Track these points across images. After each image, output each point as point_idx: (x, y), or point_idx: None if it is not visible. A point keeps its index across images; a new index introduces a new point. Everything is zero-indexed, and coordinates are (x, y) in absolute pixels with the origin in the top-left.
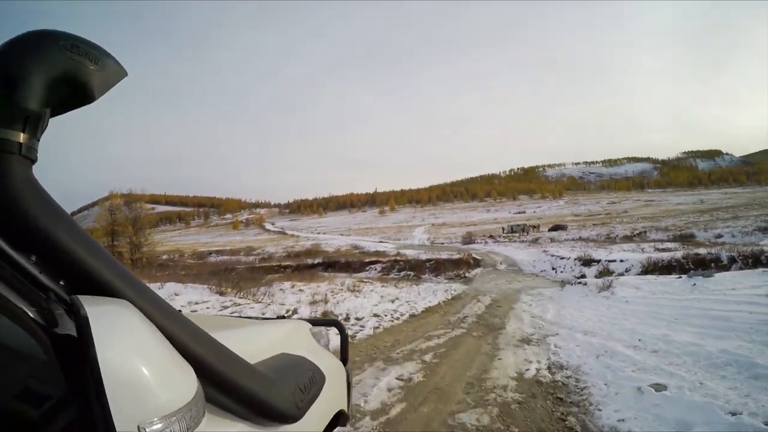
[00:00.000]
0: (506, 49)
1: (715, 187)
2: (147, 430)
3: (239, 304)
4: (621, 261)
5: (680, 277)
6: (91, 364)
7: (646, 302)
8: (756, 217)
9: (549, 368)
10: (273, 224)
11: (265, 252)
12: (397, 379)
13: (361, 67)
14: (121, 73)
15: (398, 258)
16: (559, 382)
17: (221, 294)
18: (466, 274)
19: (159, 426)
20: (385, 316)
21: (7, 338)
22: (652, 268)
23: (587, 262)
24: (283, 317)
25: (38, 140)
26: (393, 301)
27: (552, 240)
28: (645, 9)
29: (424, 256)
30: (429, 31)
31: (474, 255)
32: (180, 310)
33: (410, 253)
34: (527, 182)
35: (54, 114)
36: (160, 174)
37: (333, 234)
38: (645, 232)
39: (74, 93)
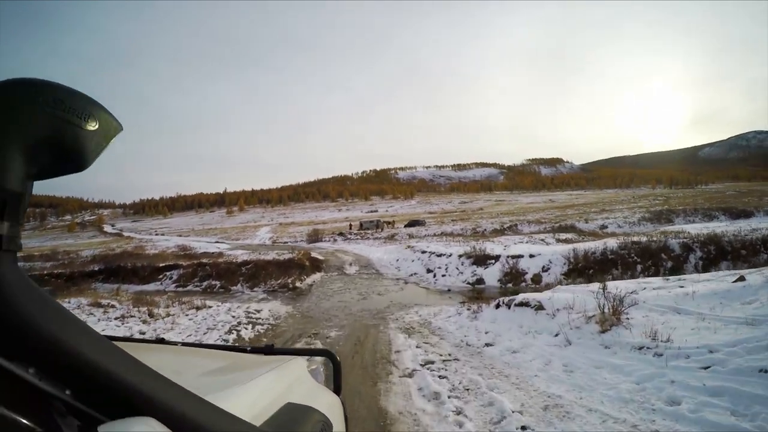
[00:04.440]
0: (370, 57)
1: (558, 190)
2: None
3: None
4: (531, 256)
5: (742, 279)
6: None
7: None
8: (630, 210)
9: None
10: (113, 226)
11: (72, 257)
12: None
13: (219, 64)
14: (116, 128)
15: (205, 262)
16: None
17: None
18: (298, 283)
19: None
20: None
21: None
22: (582, 265)
23: (481, 259)
24: (272, 347)
25: (21, 223)
26: None
27: (411, 236)
28: (497, 32)
29: (242, 258)
30: (291, 34)
31: (316, 254)
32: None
33: (236, 254)
34: (379, 183)
35: (36, 179)
36: None
37: (172, 235)
38: (516, 225)
39: (61, 160)
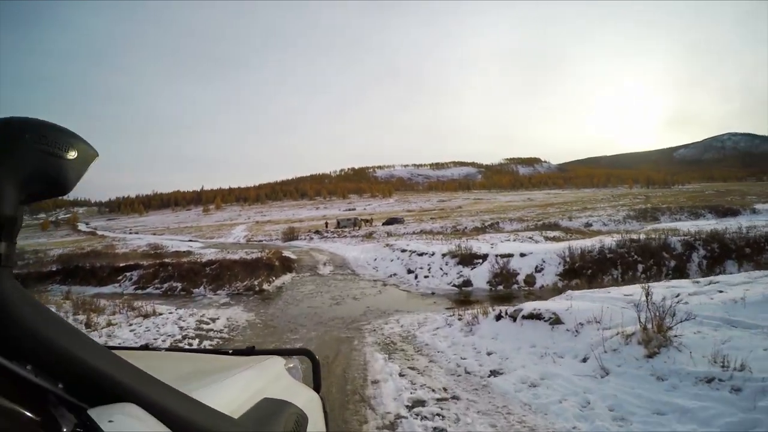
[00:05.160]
0: (348, 56)
1: (536, 189)
2: None
3: None
4: (522, 255)
5: None
6: None
7: None
8: (613, 208)
9: None
10: (87, 224)
11: (39, 256)
12: None
13: (196, 63)
14: (92, 156)
15: (167, 262)
16: None
17: None
18: (265, 286)
19: None
20: None
21: None
22: (579, 265)
23: (467, 259)
24: (253, 348)
25: (15, 242)
26: None
27: (389, 234)
28: (474, 32)
29: (209, 257)
30: (270, 34)
31: (288, 253)
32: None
33: (205, 253)
34: (357, 182)
35: (26, 203)
36: None
37: (147, 233)
38: (497, 223)
39: (47, 187)
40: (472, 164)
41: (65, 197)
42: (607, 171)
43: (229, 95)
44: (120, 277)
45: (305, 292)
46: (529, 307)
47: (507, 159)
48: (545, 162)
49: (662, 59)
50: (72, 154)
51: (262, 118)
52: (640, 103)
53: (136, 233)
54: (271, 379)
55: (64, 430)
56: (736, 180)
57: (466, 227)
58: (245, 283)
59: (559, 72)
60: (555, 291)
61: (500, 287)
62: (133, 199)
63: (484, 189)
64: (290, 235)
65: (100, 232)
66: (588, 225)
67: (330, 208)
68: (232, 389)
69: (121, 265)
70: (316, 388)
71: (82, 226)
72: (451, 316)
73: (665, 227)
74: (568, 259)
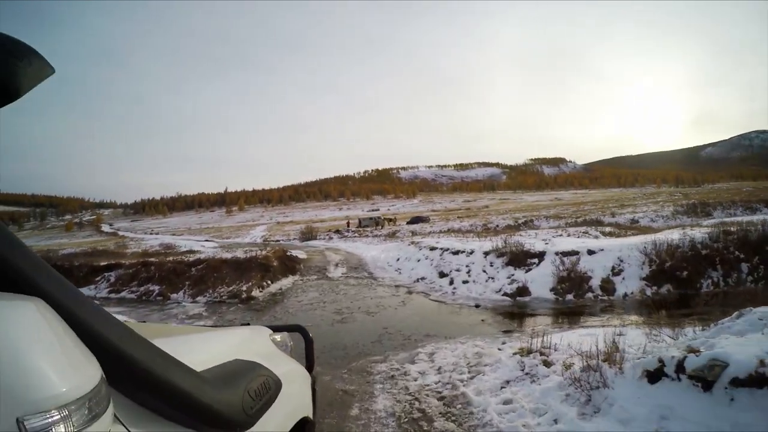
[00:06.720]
0: (369, 56)
1: (562, 189)
2: (26, 423)
3: None
4: (590, 253)
5: None
6: None
7: None
8: (656, 204)
9: None
10: (111, 225)
11: (49, 255)
12: None
13: (223, 65)
14: (48, 70)
15: (150, 261)
16: None
17: None
18: (256, 292)
19: (40, 420)
20: None
21: None
22: (671, 265)
23: (519, 258)
24: (248, 324)
25: None
26: None
27: (414, 233)
28: (497, 32)
29: (198, 256)
30: (293, 34)
31: (296, 252)
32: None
33: (208, 252)
34: (381, 183)
35: None
36: None
37: (166, 234)
38: (532, 220)
39: None
40: (497, 165)
41: (90, 199)
42: (634, 171)
43: (255, 98)
44: (98, 279)
45: (304, 302)
46: (742, 359)
47: (532, 159)
48: (570, 162)
49: (688, 58)
50: (24, 63)
51: (287, 120)
52: (665, 102)
53: (156, 234)
54: (251, 344)
55: None
56: (766, 178)
57: (497, 225)
58: (231, 288)
59: (585, 72)
60: (643, 303)
61: (569, 296)
62: (158, 201)
63: (509, 189)
64: (308, 234)
65: (121, 233)
66: (634, 221)
67: (353, 209)
68: (204, 345)
69: (102, 264)
70: (310, 367)
71: (105, 227)
72: (525, 355)
73: (729, 221)
74: (654, 257)
